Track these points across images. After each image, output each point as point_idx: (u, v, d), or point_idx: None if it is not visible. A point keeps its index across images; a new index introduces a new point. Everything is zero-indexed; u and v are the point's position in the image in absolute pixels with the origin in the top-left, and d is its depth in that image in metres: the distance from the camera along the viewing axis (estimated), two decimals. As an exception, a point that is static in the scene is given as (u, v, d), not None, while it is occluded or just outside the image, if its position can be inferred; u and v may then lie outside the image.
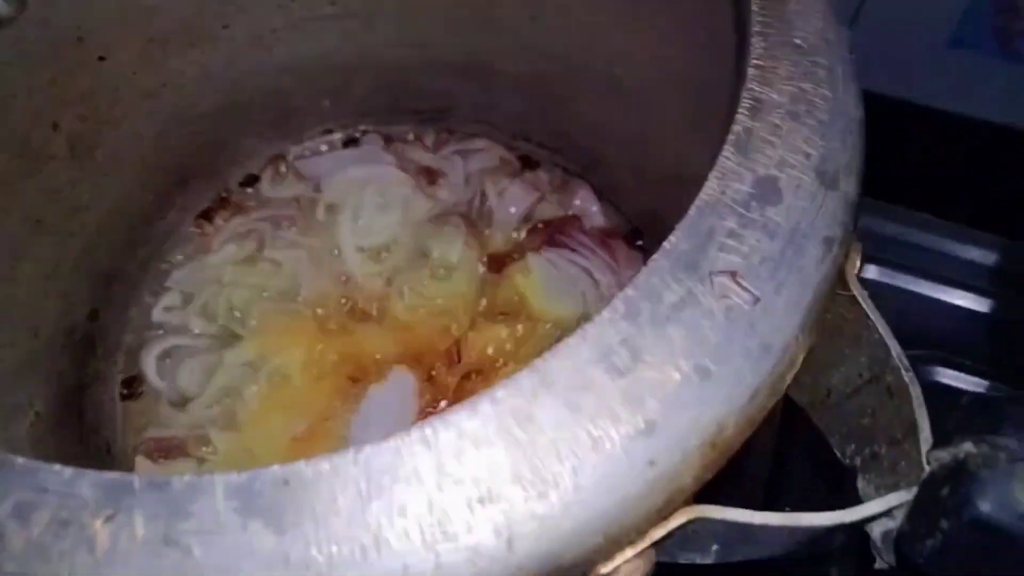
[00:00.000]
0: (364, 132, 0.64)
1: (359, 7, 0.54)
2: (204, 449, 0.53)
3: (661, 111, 0.51)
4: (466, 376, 0.56)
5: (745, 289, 0.23)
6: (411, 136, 0.65)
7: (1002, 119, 0.83)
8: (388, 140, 0.64)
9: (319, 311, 0.58)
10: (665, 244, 0.24)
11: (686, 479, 0.22)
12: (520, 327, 0.57)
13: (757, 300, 0.23)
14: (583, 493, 0.21)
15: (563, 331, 0.57)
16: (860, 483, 0.29)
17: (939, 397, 0.63)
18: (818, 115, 0.26)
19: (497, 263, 0.60)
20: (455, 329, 0.57)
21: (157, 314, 0.58)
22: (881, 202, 0.70)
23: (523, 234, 0.61)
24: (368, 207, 0.62)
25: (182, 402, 0.55)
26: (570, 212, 0.61)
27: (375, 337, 0.57)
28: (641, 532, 0.23)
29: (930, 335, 0.66)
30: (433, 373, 0.56)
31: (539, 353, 0.53)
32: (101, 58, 0.47)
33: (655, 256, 0.24)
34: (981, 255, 0.69)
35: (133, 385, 0.56)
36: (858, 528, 0.27)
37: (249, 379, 0.56)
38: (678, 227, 0.24)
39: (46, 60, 0.44)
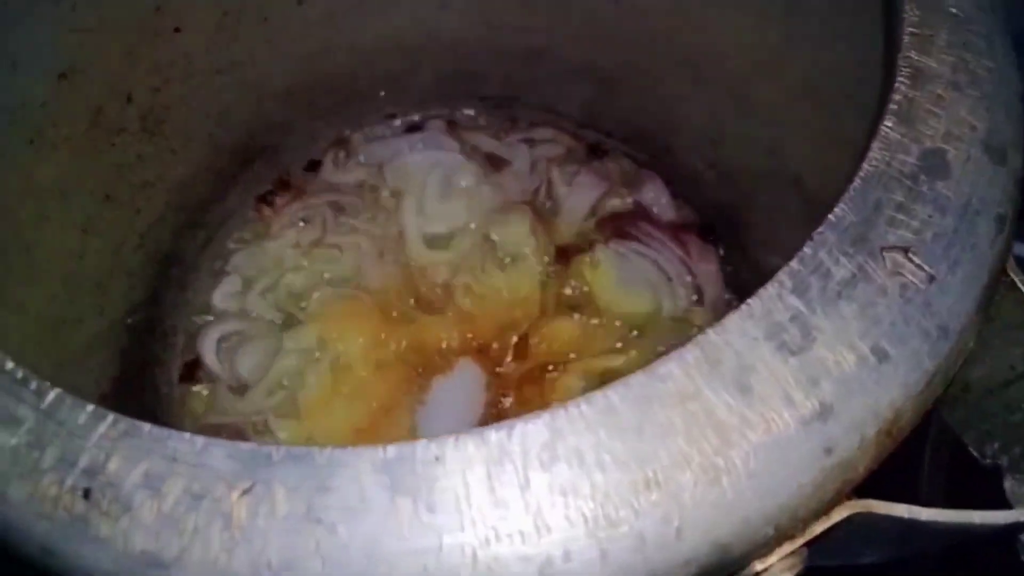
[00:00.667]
0: (428, 117, 0.63)
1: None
2: (264, 437, 0.52)
3: (744, 104, 0.49)
4: (532, 370, 0.54)
5: (919, 267, 0.22)
6: (476, 122, 0.63)
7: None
8: (452, 126, 0.63)
9: (382, 298, 0.57)
10: (831, 216, 0.22)
11: (859, 469, 0.20)
12: (589, 321, 0.55)
13: (932, 279, 0.22)
14: (757, 480, 0.19)
15: (633, 327, 0.55)
16: (1008, 483, 0.27)
17: None
18: (982, 86, 0.25)
19: (564, 255, 0.58)
20: (522, 322, 0.56)
21: (216, 298, 0.57)
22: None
23: (591, 225, 0.59)
24: (432, 194, 0.60)
25: (241, 388, 0.54)
26: (641, 203, 0.60)
27: (439, 327, 0.55)
28: (805, 525, 0.21)
29: None
30: (499, 368, 0.54)
31: (608, 349, 0.52)
32: (177, 29, 0.46)
33: (820, 229, 0.22)
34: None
35: (192, 369, 0.55)
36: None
37: (310, 366, 0.54)
38: (843, 198, 0.22)
39: (125, 28, 0.43)
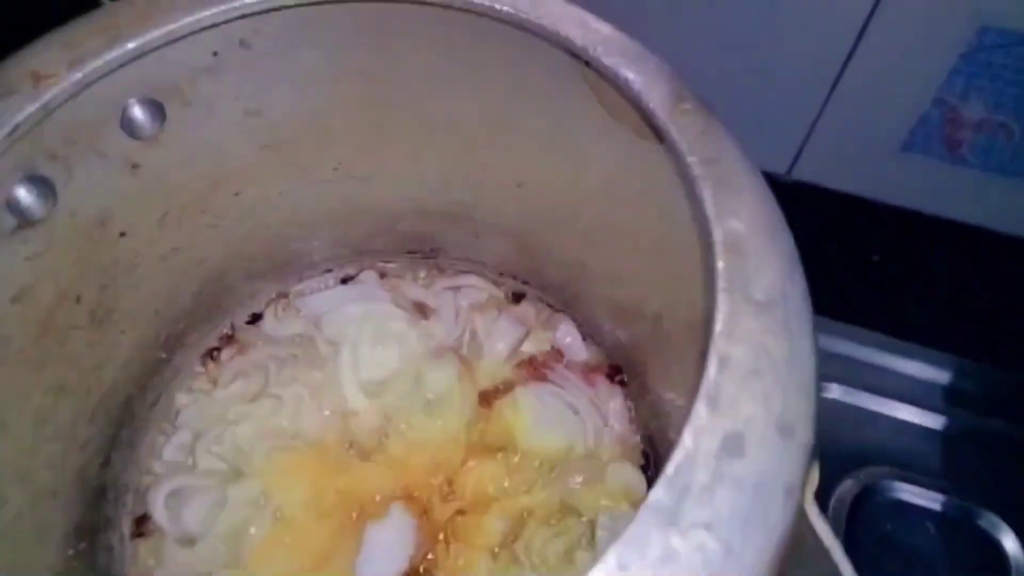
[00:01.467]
0: (361, 270, 0.68)
1: (360, 171, 0.58)
2: (211, 590, 0.56)
3: (636, 265, 0.56)
4: (460, 512, 0.59)
5: (718, 540, 0.28)
6: (405, 273, 0.69)
7: (950, 215, 0.90)
8: (384, 276, 0.69)
9: (320, 448, 0.61)
10: (650, 498, 0.28)
11: None
12: (510, 462, 0.61)
13: (729, 549, 0.28)
14: None
15: (549, 466, 0.61)
16: None
17: (901, 515, 0.68)
18: (778, 369, 0.31)
19: (487, 398, 0.64)
20: (449, 464, 0.61)
21: (166, 453, 0.61)
22: (841, 323, 0.76)
23: (511, 368, 0.65)
24: (366, 342, 0.65)
25: (189, 541, 0.58)
26: (555, 347, 0.66)
27: (373, 474, 0.60)
28: None
29: (889, 452, 0.71)
30: (428, 509, 0.59)
31: (527, 490, 0.58)
32: (122, 234, 0.51)
33: (643, 510, 0.28)
34: (935, 373, 0.74)
35: (142, 524, 0.59)
36: None
37: (254, 517, 0.59)
38: (660, 481, 0.28)
39: (73, 244, 0.48)
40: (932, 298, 0.86)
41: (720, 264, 0.33)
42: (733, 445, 0.29)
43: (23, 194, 0.43)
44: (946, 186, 0.89)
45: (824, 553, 0.32)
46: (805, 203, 0.82)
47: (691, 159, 0.36)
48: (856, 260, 0.91)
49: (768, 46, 0.79)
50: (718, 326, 0.32)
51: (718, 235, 0.34)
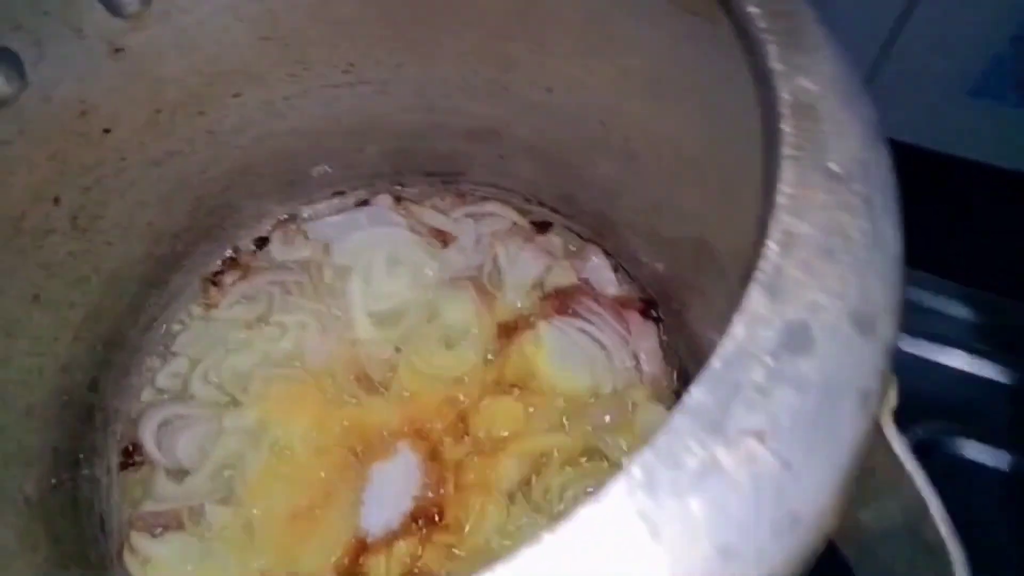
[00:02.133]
0: (375, 193, 0.63)
1: (373, 75, 0.53)
2: (200, 524, 0.52)
3: (678, 185, 0.49)
4: (473, 452, 0.54)
5: (774, 453, 0.22)
6: (422, 198, 0.63)
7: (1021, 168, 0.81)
8: (399, 201, 0.63)
9: (325, 379, 0.57)
10: (686, 398, 0.22)
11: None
12: (530, 401, 0.55)
13: (787, 465, 0.22)
14: None
15: (573, 406, 0.55)
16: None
17: (962, 474, 0.61)
18: (855, 251, 0.25)
19: (506, 332, 0.58)
20: (462, 401, 0.56)
21: (159, 380, 0.57)
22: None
23: (534, 301, 0.59)
24: (378, 270, 0.60)
25: (180, 473, 0.54)
26: (583, 279, 0.60)
27: (381, 409, 0.55)
28: None
29: (949, 405, 0.64)
30: (438, 448, 0.54)
31: (546, 429, 0.52)
32: (106, 130, 0.46)
33: (676, 412, 0.22)
34: (1002, 319, 0.67)
35: (131, 454, 0.55)
36: None
37: (249, 449, 0.54)
38: (700, 378, 0.22)
39: (48, 136, 0.43)
40: (996, 248, 0.77)
41: (786, 128, 0.27)
42: (796, 338, 0.23)
43: (-17, 65, 0.38)
44: (1017, 135, 0.81)
45: (904, 483, 0.26)
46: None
47: (753, 9, 0.30)
48: (915, 209, 0.83)
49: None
50: (781, 198, 0.25)
51: (785, 94, 0.27)
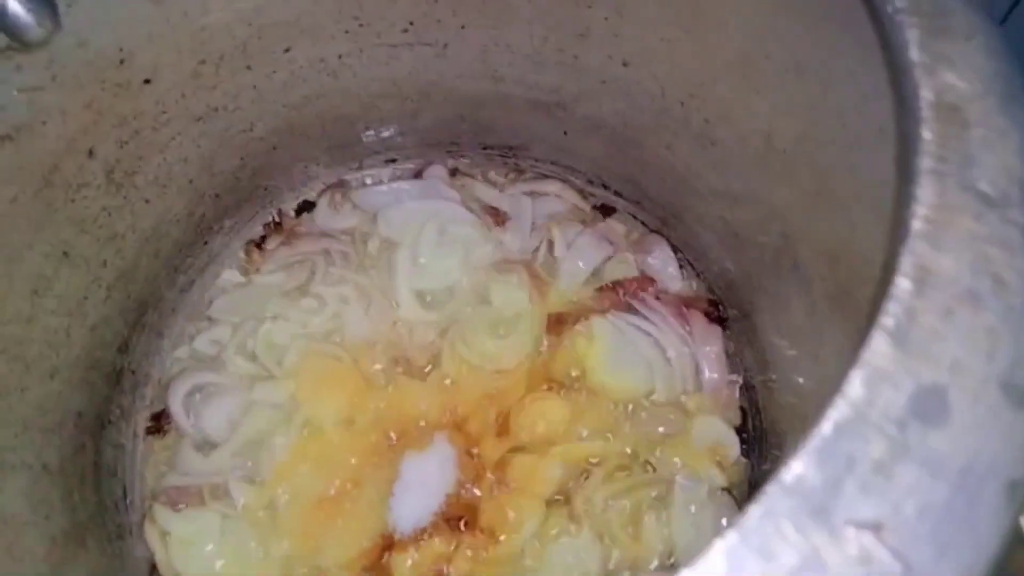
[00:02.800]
0: (429, 164, 0.59)
1: (434, 36, 0.48)
2: (223, 502, 0.49)
3: (764, 179, 0.44)
4: (513, 451, 0.50)
5: (893, 553, 0.17)
6: (478, 171, 0.59)
7: None
8: (454, 174, 0.59)
9: (363, 358, 0.53)
10: (786, 473, 0.18)
11: None
12: (578, 400, 0.51)
13: (908, 570, 0.17)
14: None
15: (623, 411, 0.51)
16: None
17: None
18: (1009, 298, 0.20)
19: (558, 324, 0.54)
20: (507, 395, 0.52)
21: (194, 345, 0.55)
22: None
23: (590, 292, 0.55)
24: (427, 246, 0.56)
25: (207, 446, 0.52)
26: (645, 272, 0.55)
27: (420, 396, 0.52)
28: None
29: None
30: (476, 448, 0.50)
31: (594, 435, 0.48)
32: (147, 81, 0.43)
33: (771, 488, 0.18)
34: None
35: (159, 419, 0.53)
36: None
37: (280, 426, 0.51)
38: (805, 449, 0.18)
39: (83, 83, 0.40)
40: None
41: (927, 133, 0.22)
42: (930, 404, 0.19)
43: (13, 3, 0.35)
44: None
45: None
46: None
47: (889, -14, 0.24)
48: None
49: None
50: (917, 223, 0.20)
51: (926, 92, 0.22)
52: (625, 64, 0.46)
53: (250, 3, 0.44)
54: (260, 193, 0.56)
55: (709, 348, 0.53)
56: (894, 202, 0.22)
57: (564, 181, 0.58)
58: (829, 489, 0.18)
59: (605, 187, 0.57)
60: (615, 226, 0.57)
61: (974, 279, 0.20)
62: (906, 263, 0.20)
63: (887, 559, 0.17)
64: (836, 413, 0.18)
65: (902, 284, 0.20)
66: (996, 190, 0.21)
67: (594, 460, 0.50)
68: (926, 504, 0.18)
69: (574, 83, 0.49)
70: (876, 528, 0.17)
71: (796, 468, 0.18)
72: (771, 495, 0.18)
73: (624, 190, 0.56)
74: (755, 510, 0.18)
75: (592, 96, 0.50)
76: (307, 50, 0.48)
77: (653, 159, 0.51)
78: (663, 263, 0.55)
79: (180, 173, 0.49)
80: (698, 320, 0.53)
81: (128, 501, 0.49)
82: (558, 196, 0.58)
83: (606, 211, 0.58)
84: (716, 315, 0.54)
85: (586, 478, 0.50)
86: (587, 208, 0.58)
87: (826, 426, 0.18)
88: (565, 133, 0.54)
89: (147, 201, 0.48)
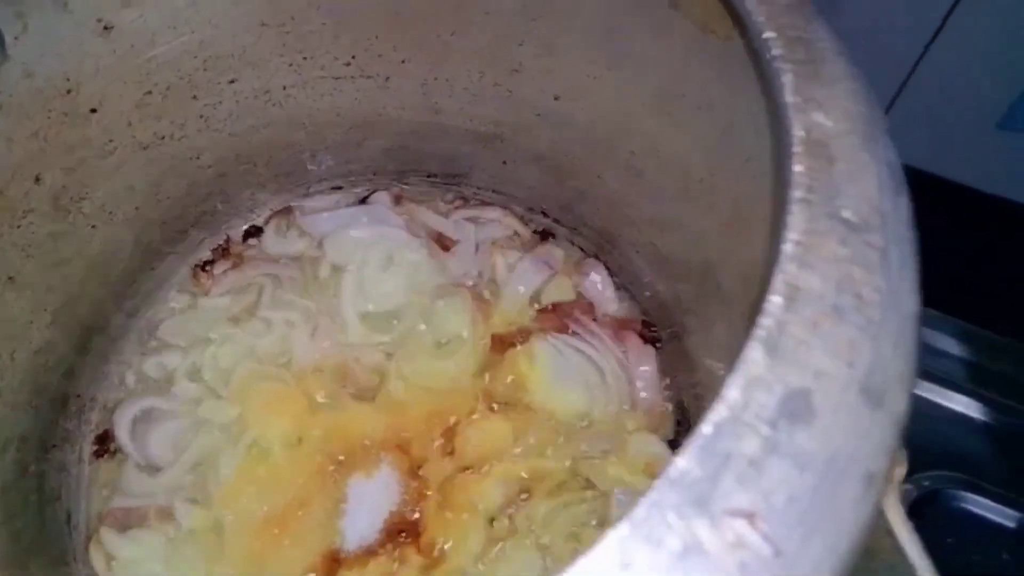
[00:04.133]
0: (374, 190, 0.61)
1: (376, 69, 0.51)
2: (169, 524, 0.50)
3: (686, 206, 0.47)
4: (457, 470, 0.52)
5: (764, 538, 0.19)
6: (423, 198, 0.61)
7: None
8: (399, 200, 0.61)
9: (310, 381, 0.55)
10: (671, 469, 0.20)
11: None
12: (520, 420, 0.53)
13: (778, 553, 0.19)
14: None
15: (564, 429, 0.53)
16: None
17: (966, 529, 0.58)
18: (867, 312, 0.22)
19: (500, 345, 0.56)
20: (451, 415, 0.54)
21: (140, 369, 0.55)
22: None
23: (532, 314, 0.57)
24: (373, 270, 0.58)
25: (153, 469, 0.52)
26: (583, 295, 0.57)
27: (366, 417, 0.53)
28: None
29: (956, 455, 0.61)
30: (420, 468, 0.52)
31: (535, 453, 0.50)
32: (93, 110, 0.44)
33: (658, 482, 0.20)
34: (1013, 367, 0.64)
35: (105, 442, 0.53)
36: None
37: (226, 447, 0.52)
38: (688, 446, 0.20)
39: (29, 112, 0.41)
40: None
41: (798, 167, 0.24)
42: (797, 406, 0.21)
43: (-39, 36, 0.36)
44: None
45: (907, 571, 0.24)
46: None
47: (769, 34, 0.27)
48: (935, 245, 0.81)
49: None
50: (788, 246, 0.23)
51: (798, 130, 0.25)
52: (556, 98, 0.49)
53: (195, 36, 0.45)
54: (207, 219, 0.58)
55: (644, 368, 0.55)
56: (770, 228, 0.25)
57: (505, 208, 0.60)
58: (709, 482, 0.20)
59: (544, 214, 0.59)
60: (554, 250, 0.59)
61: (838, 296, 0.23)
62: (778, 281, 0.23)
63: (759, 543, 0.19)
64: (715, 415, 0.21)
65: (774, 300, 0.22)
66: (858, 217, 0.24)
67: (536, 477, 0.52)
68: (793, 494, 0.20)
69: (510, 115, 0.52)
70: (750, 516, 0.20)
71: (680, 464, 0.20)
72: (658, 489, 0.20)
73: (562, 217, 0.59)
74: (644, 502, 0.20)
75: (527, 128, 0.53)
76: (252, 81, 0.49)
77: (587, 188, 0.54)
78: (600, 286, 0.58)
79: (127, 200, 0.50)
80: (633, 341, 0.56)
81: (72, 525, 0.49)
82: (499, 222, 0.60)
83: (545, 236, 0.60)
84: (650, 336, 0.56)
85: (528, 495, 0.51)
86: (527, 233, 0.60)
87: (706, 427, 0.21)
88: (504, 163, 0.57)
89: (94, 227, 0.49)
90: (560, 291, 0.57)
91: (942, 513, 0.59)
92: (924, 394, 0.63)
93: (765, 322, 0.22)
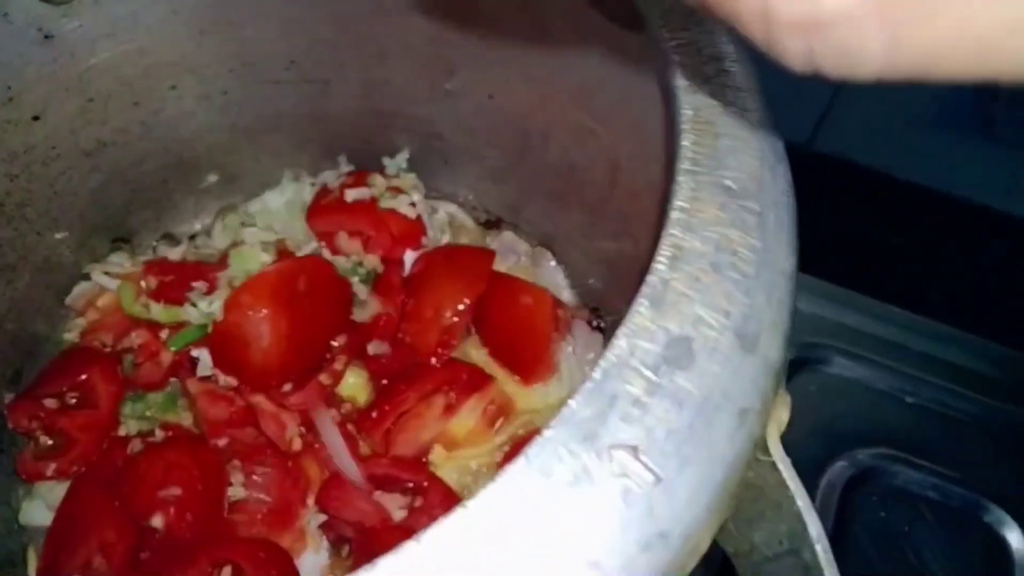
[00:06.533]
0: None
1: (315, 73, 0.52)
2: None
3: (615, 200, 0.49)
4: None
5: (646, 467, 0.22)
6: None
7: (979, 199, 0.83)
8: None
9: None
10: (564, 410, 0.22)
11: None
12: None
13: (658, 480, 0.21)
14: None
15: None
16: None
17: (898, 502, 0.61)
18: (743, 267, 0.25)
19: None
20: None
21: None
22: (846, 290, 0.69)
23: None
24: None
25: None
26: (538, 282, 0.59)
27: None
28: None
29: (889, 433, 0.64)
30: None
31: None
32: (35, 117, 0.45)
33: (553, 422, 0.22)
34: (949, 353, 0.68)
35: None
36: None
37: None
38: (580, 390, 0.22)
39: (-30, 121, 0.42)
40: (954, 278, 0.79)
41: (686, 141, 0.27)
42: (678, 352, 0.23)
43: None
44: (978, 166, 0.82)
45: (788, 505, 0.26)
46: (825, 176, 0.74)
47: (666, 32, 0.30)
48: (875, 235, 0.85)
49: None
50: (674, 213, 0.25)
51: (686, 109, 0.28)
52: (491, 97, 0.51)
53: (135, 44, 0.47)
54: (152, 224, 0.59)
55: (592, 355, 0.57)
56: (660, 206, 0.27)
57: (454, 202, 0.62)
58: (597, 420, 0.22)
59: (487, 212, 0.61)
60: (511, 238, 0.61)
61: (716, 254, 0.25)
62: (665, 244, 0.25)
63: (641, 472, 0.22)
64: (604, 363, 0.23)
65: (661, 260, 0.25)
66: (738, 185, 0.26)
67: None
68: (673, 429, 0.22)
69: (448, 115, 0.54)
70: (633, 449, 0.22)
71: (572, 405, 0.22)
72: (552, 427, 0.22)
73: (505, 214, 0.61)
74: (538, 439, 0.22)
75: (465, 127, 0.55)
76: (193, 87, 0.51)
77: (525, 184, 0.56)
78: (552, 274, 0.60)
79: (71, 206, 0.51)
80: (582, 329, 0.58)
81: None
82: (452, 215, 0.62)
83: (491, 226, 0.62)
84: (597, 325, 0.58)
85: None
86: (475, 227, 0.62)
87: (596, 372, 0.23)
88: (445, 162, 0.59)
89: (39, 233, 0.50)
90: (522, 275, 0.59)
91: (876, 488, 0.62)
92: (862, 378, 0.67)
93: (651, 279, 0.24)
